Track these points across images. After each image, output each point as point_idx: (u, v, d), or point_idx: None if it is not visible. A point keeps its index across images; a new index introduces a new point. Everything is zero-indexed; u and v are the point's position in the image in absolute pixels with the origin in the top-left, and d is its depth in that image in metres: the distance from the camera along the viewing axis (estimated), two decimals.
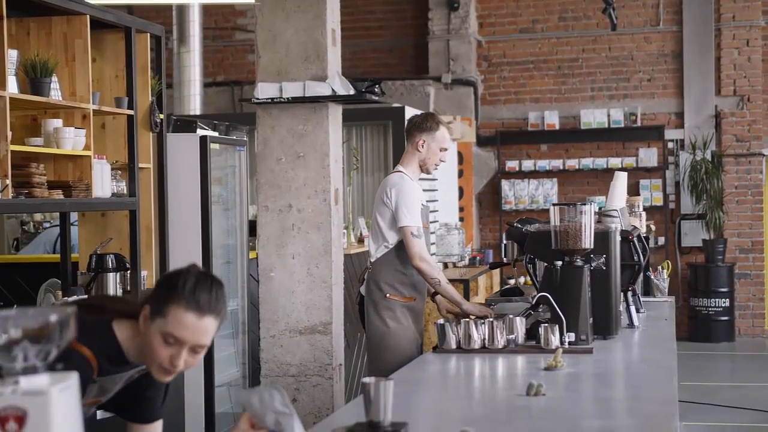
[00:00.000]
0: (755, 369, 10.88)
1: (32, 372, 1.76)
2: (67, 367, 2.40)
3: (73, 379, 1.79)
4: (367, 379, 2.75)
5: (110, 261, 5.40)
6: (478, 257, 11.35)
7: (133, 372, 2.74)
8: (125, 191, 5.55)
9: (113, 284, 5.40)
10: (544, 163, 12.78)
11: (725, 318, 12.19)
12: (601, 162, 12.59)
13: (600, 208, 5.43)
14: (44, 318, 1.77)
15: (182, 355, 2.55)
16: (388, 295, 5.20)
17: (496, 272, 11.32)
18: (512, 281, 12.27)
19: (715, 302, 12.15)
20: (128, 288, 5.60)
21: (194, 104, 10.62)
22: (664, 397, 3.23)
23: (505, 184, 12.86)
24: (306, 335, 5.77)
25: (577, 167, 12.68)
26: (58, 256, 5.81)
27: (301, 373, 5.71)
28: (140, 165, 5.71)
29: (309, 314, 5.78)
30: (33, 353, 1.76)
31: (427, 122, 5.31)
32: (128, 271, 5.56)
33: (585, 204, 4.43)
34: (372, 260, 5.30)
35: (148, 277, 5.86)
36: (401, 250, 5.21)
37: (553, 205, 4.47)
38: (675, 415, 2.95)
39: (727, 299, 12.18)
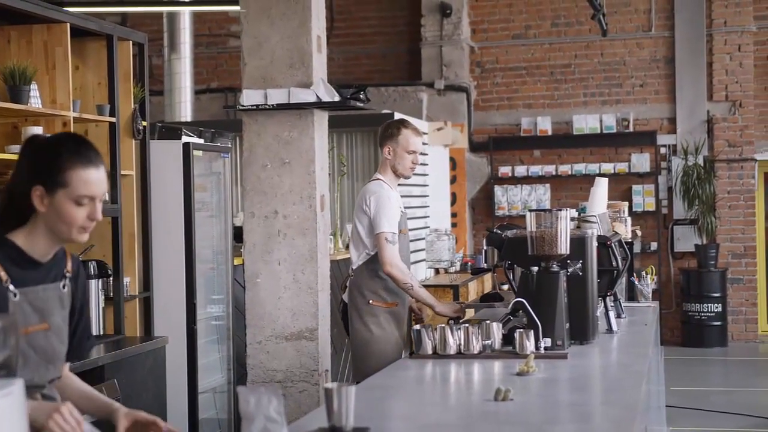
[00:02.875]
0: (747, 374, 10.88)
1: None
2: None
3: (17, 385, 1.81)
4: (328, 385, 2.77)
5: (92, 268, 5.41)
6: (470, 263, 11.36)
7: (55, 282, 2.77)
8: (107, 198, 5.57)
9: (95, 291, 5.41)
10: (536, 169, 12.80)
11: (718, 323, 12.20)
12: (593, 167, 12.60)
13: (579, 214, 5.44)
14: None
15: (97, 208, 2.71)
16: (371, 301, 5.30)
17: (488, 278, 11.33)
18: (505, 287, 12.28)
19: (708, 307, 12.16)
20: (111, 295, 5.61)
21: (185, 111, 10.65)
22: (628, 402, 3.25)
23: (498, 190, 12.88)
24: (292, 341, 5.78)
25: (569, 173, 12.70)
26: None
27: (287, 379, 5.72)
28: (123, 172, 5.73)
29: (295, 320, 5.80)
30: None
31: (388, 129, 5.47)
32: (110, 278, 5.57)
33: (561, 210, 4.44)
34: (354, 267, 5.40)
35: (131, 283, 5.87)
36: None
37: (530, 210, 4.49)
38: (635, 419, 2.96)
39: (720, 304, 12.18)
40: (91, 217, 2.70)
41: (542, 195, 12.80)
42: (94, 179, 2.70)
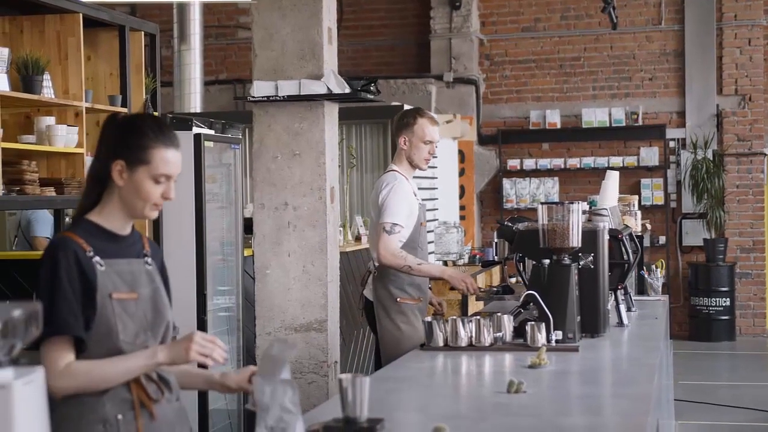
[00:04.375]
0: (755, 368, 10.88)
1: None
2: (53, 252, 2.68)
3: (37, 374, 1.81)
4: (343, 376, 2.78)
5: None
6: (478, 255, 11.36)
7: (138, 258, 2.87)
8: None
9: None
10: (545, 162, 12.79)
11: (726, 317, 12.19)
12: (602, 161, 12.59)
13: (591, 207, 5.44)
14: (8, 313, 1.79)
15: (171, 186, 2.82)
16: (399, 299, 5.17)
17: (497, 270, 11.32)
18: (513, 279, 12.28)
19: (716, 301, 12.15)
20: None
21: (194, 102, 10.64)
22: (641, 395, 3.25)
23: (506, 183, 12.87)
24: (301, 333, 5.79)
25: (578, 166, 12.69)
26: None
27: (296, 371, 5.73)
28: None
29: (304, 312, 5.81)
30: None
31: (404, 119, 5.31)
32: None
33: (573, 203, 4.44)
34: (376, 263, 5.23)
35: None
36: (405, 250, 5.17)
37: (541, 203, 4.48)
38: (648, 412, 2.96)
39: (728, 298, 12.17)
40: (165, 195, 2.81)
41: (551, 188, 12.79)
42: (173, 159, 2.81)
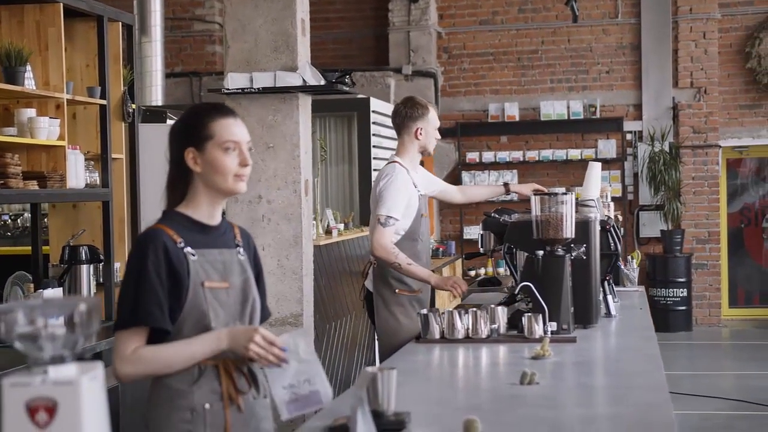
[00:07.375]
0: (712, 358, 11.03)
1: (60, 362, 1.74)
2: (143, 244, 2.77)
3: (99, 368, 1.77)
4: (370, 369, 2.75)
5: (83, 253, 5.33)
6: (440, 249, 11.40)
7: (230, 248, 2.88)
8: (98, 182, 5.48)
9: (86, 276, 5.33)
10: (504, 155, 12.84)
11: (683, 308, 12.34)
12: (560, 153, 12.67)
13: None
14: (72, 307, 1.75)
15: (244, 153, 2.84)
16: (397, 290, 5.15)
17: (459, 263, 11.37)
18: (472, 272, 12.33)
19: (673, 292, 12.29)
20: (101, 280, 5.53)
21: (156, 95, 10.50)
22: (655, 384, 3.26)
23: (465, 176, 12.90)
24: (277, 327, 5.76)
25: (537, 159, 12.75)
26: (29, 248, 5.71)
27: None
28: (113, 155, 5.64)
29: (279, 306, 5.78)
30: (61, 343, 1.74)
31: (417, 110, 5.29)
32: (101, 263, 5.49)
33: (566, 194, 4.44)
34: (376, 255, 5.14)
35: (122, 268, 5.78)
36: (405, 243, 5.12)
37: (535, 194, 4.48)
38: (670, 401, 2.97)
39: (685, 289, 12.32)
40: (242, 163, 2.84)
41: (510, 181, 12.82)
42: (234, 126, 2.85)
